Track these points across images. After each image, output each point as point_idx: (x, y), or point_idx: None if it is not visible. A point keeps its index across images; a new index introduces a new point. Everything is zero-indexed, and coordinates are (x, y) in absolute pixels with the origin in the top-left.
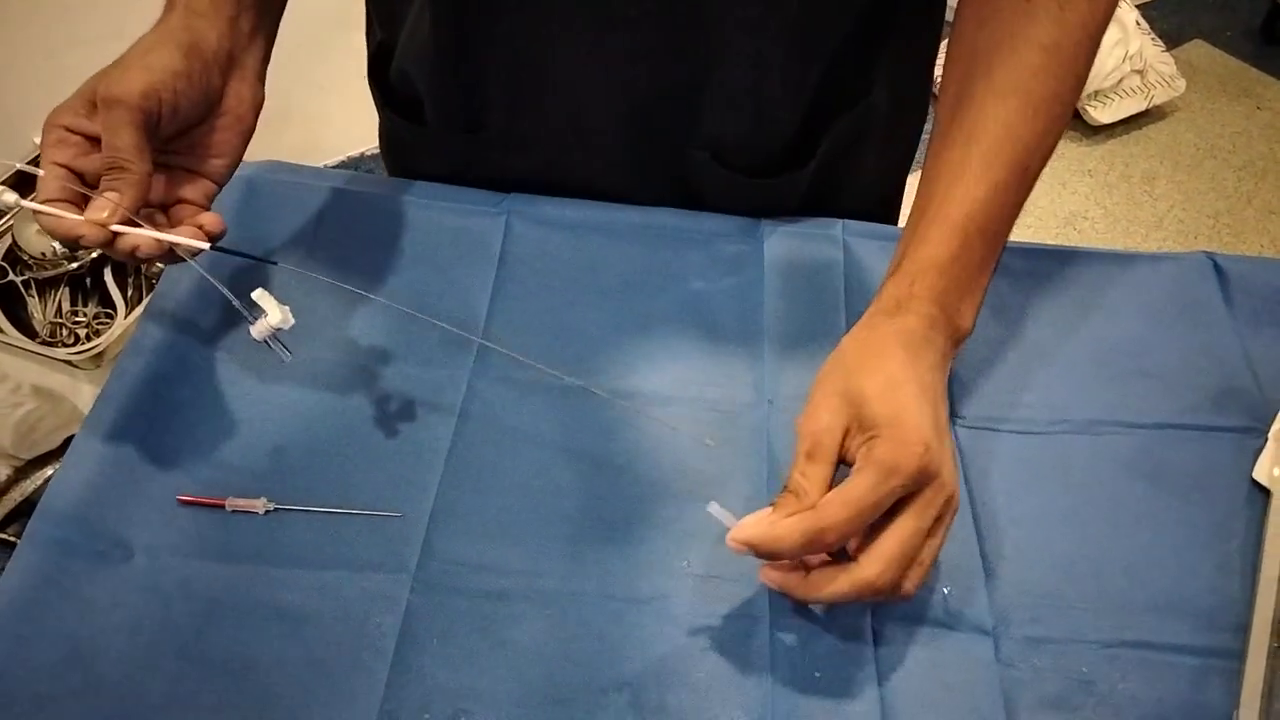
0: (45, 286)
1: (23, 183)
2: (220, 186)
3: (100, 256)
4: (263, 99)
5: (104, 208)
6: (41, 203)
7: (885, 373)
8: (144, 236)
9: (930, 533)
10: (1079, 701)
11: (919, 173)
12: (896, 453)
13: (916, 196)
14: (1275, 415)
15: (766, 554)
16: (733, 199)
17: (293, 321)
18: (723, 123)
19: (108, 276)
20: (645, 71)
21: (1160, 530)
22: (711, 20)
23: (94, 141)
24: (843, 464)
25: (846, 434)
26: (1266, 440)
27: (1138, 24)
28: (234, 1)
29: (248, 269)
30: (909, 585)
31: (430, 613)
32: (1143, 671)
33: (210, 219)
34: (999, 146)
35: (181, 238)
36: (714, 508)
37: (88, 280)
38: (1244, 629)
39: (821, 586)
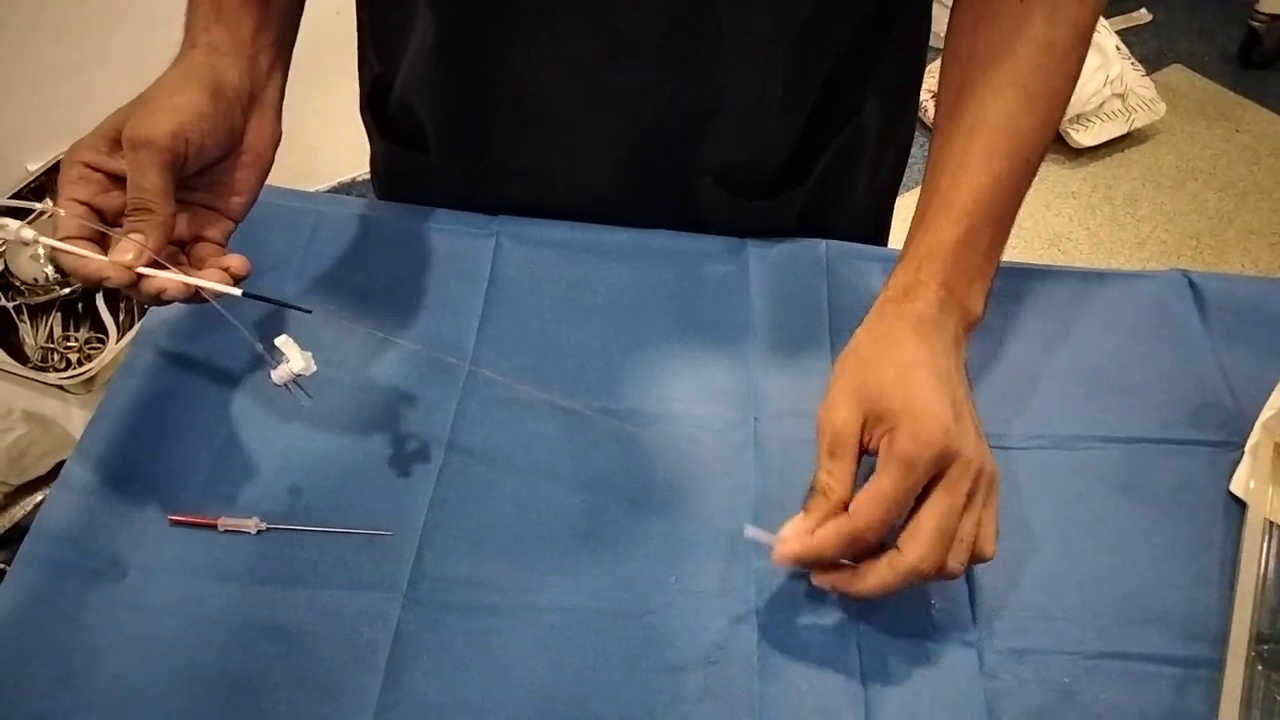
0: (37, 311)
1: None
2: (238, 224)
3: None
4: (280, 135)
5: (129, 249)
6: (61, 240)
7: (898, 362)
8: (170, 280)
9: (966, 508)
10: (1062, 712)
11: (908, 194)
12: (915, 444)
13: (922, 190)
14: (1250, 429)
15: (813, 564)
16: (731, 221)
17: (314, 369)
18: (725, 147)
19: (99, 302)
20: (650, 99)
21: (1139, 543)
22: (716, 48)
23: (114, 179)
24: (867, 454)
25: (865, 425)
26: (1242, 453)
27: (1118, 49)
28: (253, 39)
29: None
30: (954, 564)
31: (422, 630)
32: (1124, 682)
33: (236, 261)
34: (1000, 137)
35: (210, 282)
36: (750, 530)
37: (79, 305)
38: (1223, 639)
39: (871, 580)
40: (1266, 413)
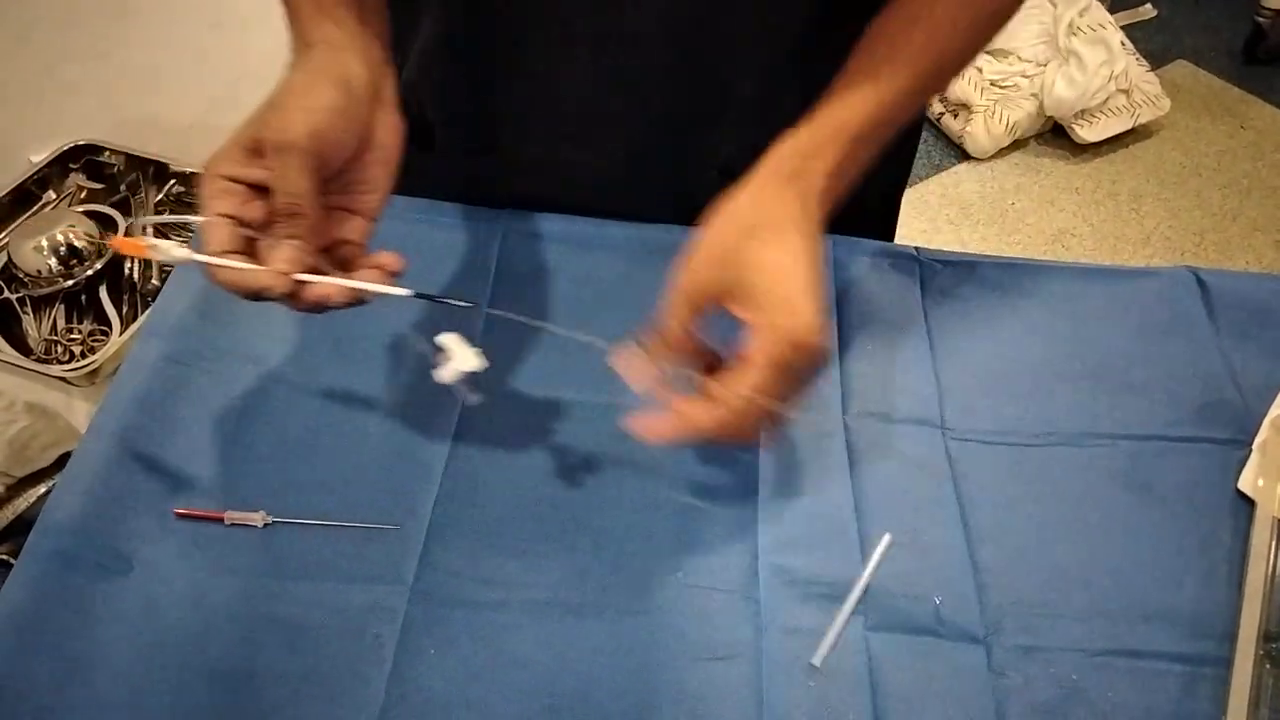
0: (40, 304)
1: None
2: (375, 222)
3: (96, 274)
4: (404, 127)
5: (287, 257)
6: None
7: (782, 248)
8: (333, 285)
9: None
10: (1069, 709)
11: (913, 189)
12: (794, 350)
13: (851, 65)
14: (1259, 426)
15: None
16: None
17: (486, 364)
18: (732, 141)
19: (103, 294)
20: (658, 94)
21: (1147, 540)
22: (724, 42)
23: (255, 190)
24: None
25: (726, 290)
26: (1250, 451)
27: (1123, 44)
28: (366, 32)
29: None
30: (763, 435)
31: (428, 624)
32: (1131, 679)
33: (390, 259)
34: (940, 44)
35: (379, 285)
36: (618, 358)
37: (83, 297)
38: (1231, 637)
39: (684, 429)
40: (1275, 410)
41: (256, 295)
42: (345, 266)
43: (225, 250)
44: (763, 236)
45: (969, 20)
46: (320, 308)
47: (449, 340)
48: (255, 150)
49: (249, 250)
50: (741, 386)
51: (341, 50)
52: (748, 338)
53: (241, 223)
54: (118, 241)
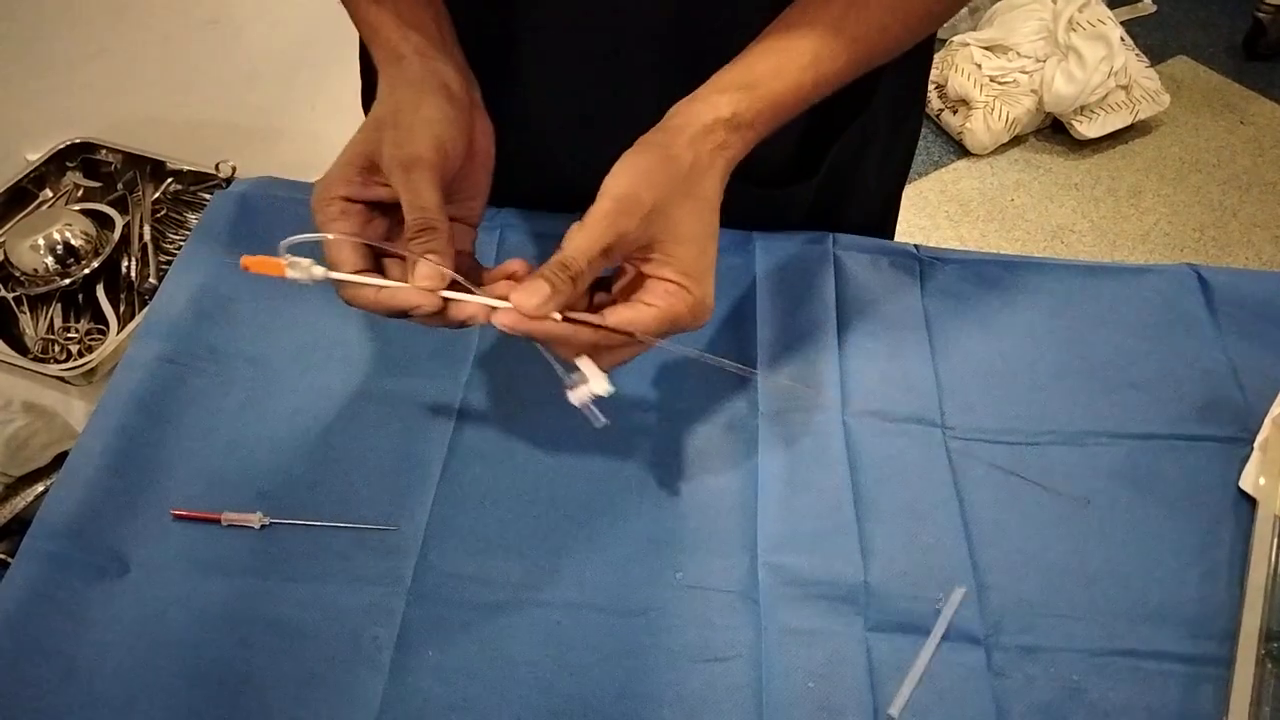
0: (37, 303)
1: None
2: (477, 228)
3: (93, 273)
4: (493, 130)
5: (431, 273)
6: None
7: (704, 222)
8: (478, 306)
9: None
10: (1070, 710)
11: (912, 185)
12: (688, 312)
13: (782, 25)
14: (1260, 425)
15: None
16: (741, 211)
17: (613, 389)
18: None
19: (100, 293)
20: (658, 89)
21: (1148, 539)
22: (724, 38)
23: (374, 209)
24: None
25: (644, 246)
26: (1252, 449)
27: (1122, 40)
28: (448, 39)
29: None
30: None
31: (426, 625)
32: (1132, 679)
33: (518, 265)
34: (870, 19)
35: (587, 316)
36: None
37: (80, 296)
38: (1232, 637)
39: (544, 331)
40: (1276, 409)
41: (401, 314)
42: (469, 278)
43: (357, 270)
44: (692, 205)
45: None
46: (463, 325)
47: (586, 364)
48: (369, 169)
49: (377, 269)
50: (636, 325)
51: (434, 60)
52: (648, 286)
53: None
54: (252, 261)
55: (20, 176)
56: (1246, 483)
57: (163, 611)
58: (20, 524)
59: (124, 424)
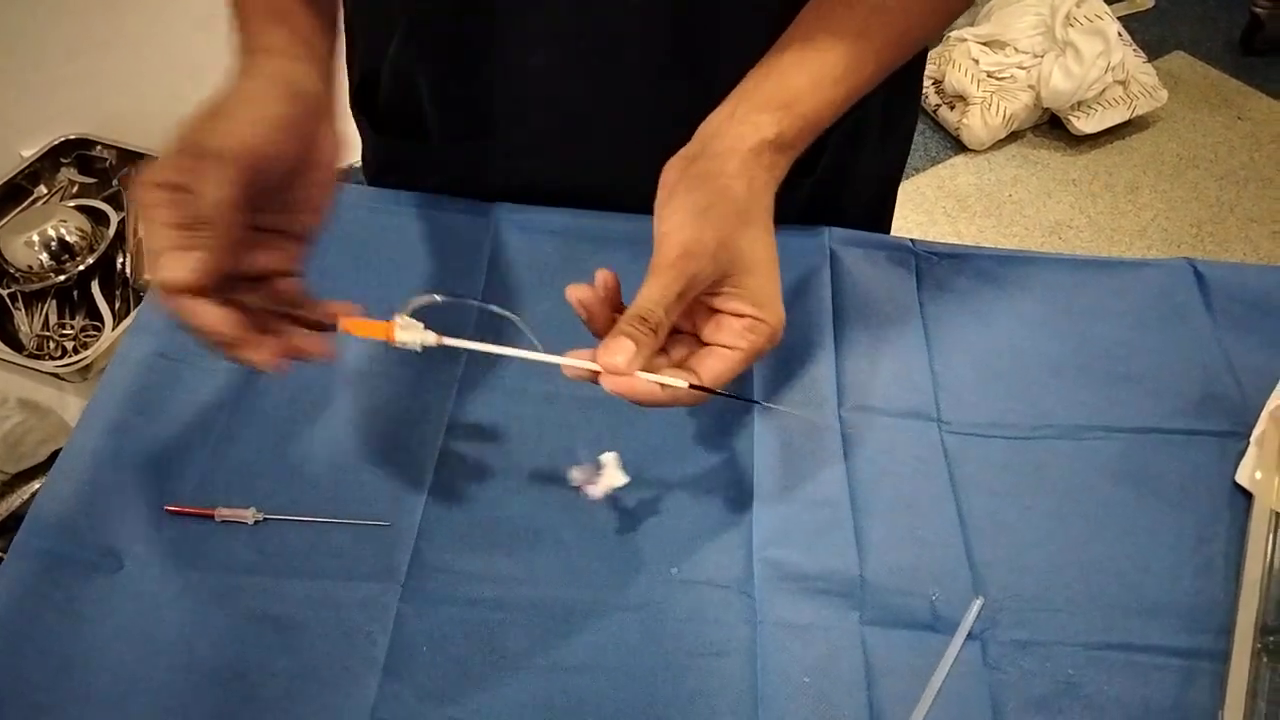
0: (32, 299)
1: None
2: (309, 246)
3: (87, 269)
4: (344, 145)
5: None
6: (152, 251)
7: (767, 246)
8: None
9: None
10: (1065, 704)
11: (909, 180)
12: (770, 342)
13: (814, 44)
14: (1257, 419)
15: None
16: None
17: (628, 480)
18: None
19: (95, 289)
20: (651, 83)
21: (1144, 533)
22: (718, 32)
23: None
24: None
25: (716, 282)
26: (1248, 444)
27: (1120, 35)
28: (321, 43)
29: None
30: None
31: (420, 621)
32: (1128, 673)
33: (341, 308)
34: (895, 33)
35: (669, 378)
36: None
37: (75, 293)
38: (1228, 630)
39: (643, 393)
40: (1273, 403)
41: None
42: (288, 303)
43: (166, 247)
44: (754, 232)
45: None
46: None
47: (609, 459)
48: (199, 155)
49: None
50: (727, 375)
51: (296, 60)
52: (724, 324)
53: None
54: (353, 324)
55: (15, 173)
56: (1242, 477)
57: (156, 608)
58: (16, 521)
59: (117, 420)
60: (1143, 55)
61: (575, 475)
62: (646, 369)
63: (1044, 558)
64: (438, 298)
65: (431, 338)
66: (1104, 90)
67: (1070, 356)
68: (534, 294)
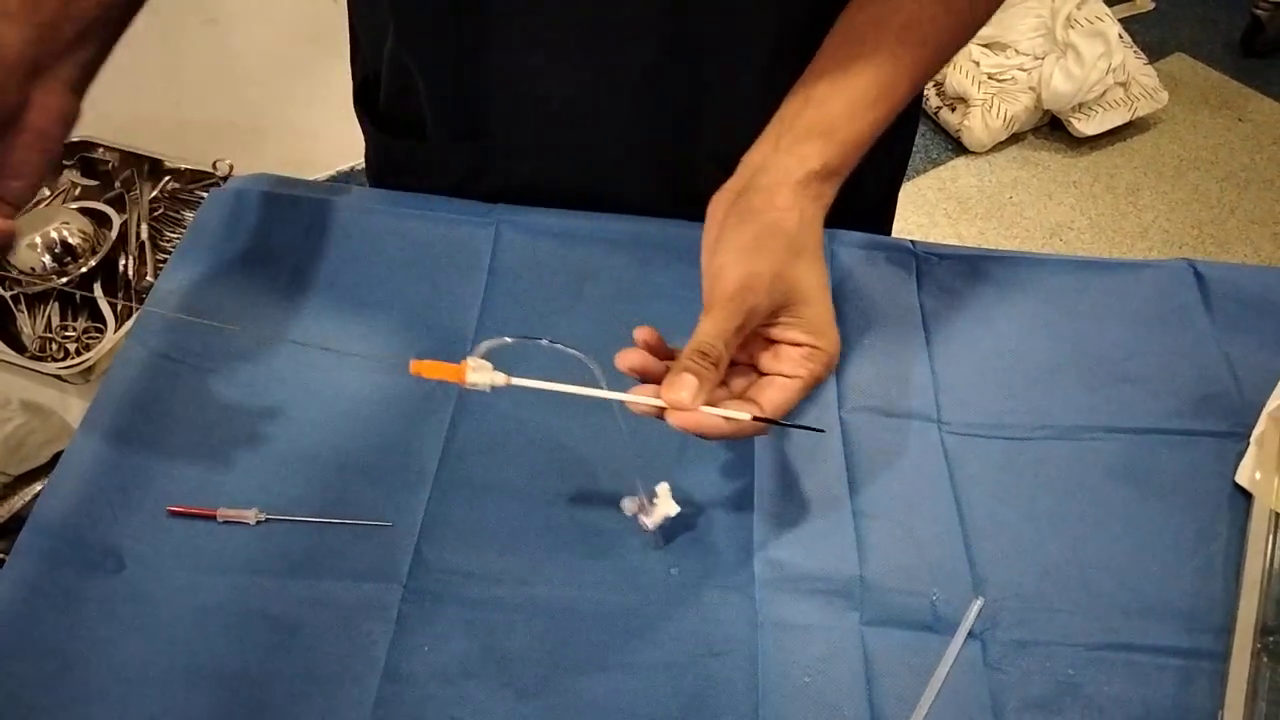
0: (34, 301)
1: None
2: (18, 209)
3: (90, 271)
4: (77, 113)
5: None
6: None
7: (820, 274)
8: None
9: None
10: (1065, 704)
11: (911, 183)
12: (826, 370)
13: (854, 72)
14: (1256, 419)
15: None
16: None
17: (680, 510)
18: (729, 133)
19: (97, 291)
20: (650, 83)
21: (1144, 534)
22: (717, 32)
23: None
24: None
25: (773, 313)
26: (1248, 444)
27: (1120, 37)
28: (61, 6)
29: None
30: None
31: (422, 621)
32: (1128, 673)
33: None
34: (928, 44)
35: (733, 411)
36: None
37: (77, 295)
38: (1228, 630)
39: (709, 427)
40: (1272, 403)
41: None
42: None
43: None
44: (806, 263)
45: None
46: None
47: (663, 491)
48: None
49: None
50: (787, 405)
51: (10, 19)
52: (781, 354)
53: None
54: (424, 366)
55: None
56: (1242, 477)
57: (158, 608)
58: (19, 522)
59: (119, 421)
60: (1143, 57)
61: (628, 506)
62: (709, 403)
63: (1044, 558)
64: (508, 339)
65: (501, 378)
66: (1105, 92)
67: (1070, 357)
68: (534, 295)
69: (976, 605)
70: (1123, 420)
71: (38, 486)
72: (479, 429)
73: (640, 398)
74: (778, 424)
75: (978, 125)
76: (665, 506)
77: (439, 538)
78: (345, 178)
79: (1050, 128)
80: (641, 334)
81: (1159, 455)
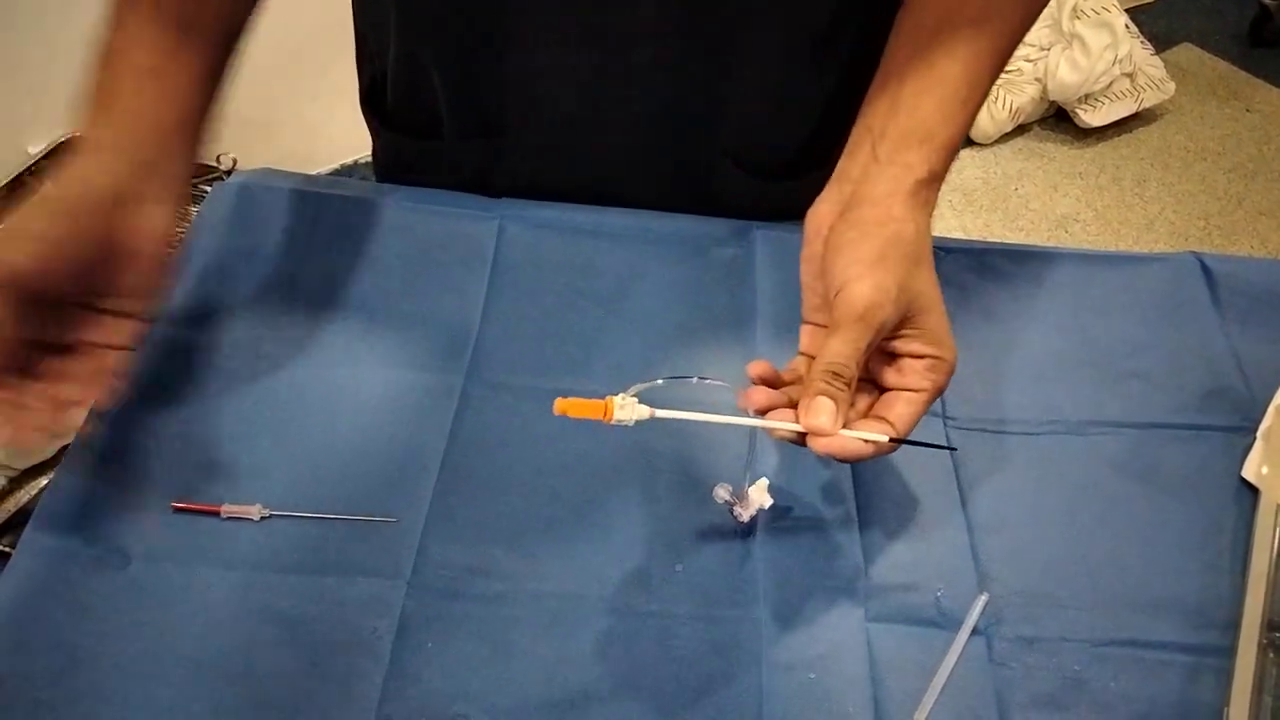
0: None
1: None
2: (142, 322)
3: None
4: (173, 227)
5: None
6: None
7: (935, 283)
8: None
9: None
10: (1071, 700)
11: None
12: (948, 378)
13: (932, 72)
14: (1263, 414)
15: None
16: (752, 202)
17: (771, 501)
18: (743, 129)
19: None
20: (666, 80)
21: (1151, 529)
22: (734, 30)
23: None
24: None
25: (899, 325)
26: (1255, 439)
27: (1127, 27)
28: (189, 100)
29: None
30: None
31: (426, 617)
32: (1134, 669)
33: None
34: (992, 28)
35: (871, 434)
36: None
37: None
38: (1234, 626)
39: (853, 451)
40: (1279, 398)
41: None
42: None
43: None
44: (924, 272)
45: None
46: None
47: (761, 484)
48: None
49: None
50: (914, 419)
51: (101, 152)
52: (905, 368)
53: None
54: (569, 405)
55: (22, 169)
56: (1249, 472)
57: (163, 603)
58: (25, 517)
59: (124, 415)
60: (1150, 47)
61: (721, 494)
62: (843, 423)
63: (1049, 553)
64: (659, 381)
65: (645, 411)
66: (1111, 83)
67: (1076, 352)
68: (538, 290)
69: (981, 601)
70: (1129, 415)
71: (43, 481)
72: (483, 424)
73: (781, 423)
74: (911, 444)
75: (983, 116)
76: (759, 498)
77: (443, 533)
78: (348, 172)
79: (1056, 119)
80: (756, 369)
81: (1166, 450)
